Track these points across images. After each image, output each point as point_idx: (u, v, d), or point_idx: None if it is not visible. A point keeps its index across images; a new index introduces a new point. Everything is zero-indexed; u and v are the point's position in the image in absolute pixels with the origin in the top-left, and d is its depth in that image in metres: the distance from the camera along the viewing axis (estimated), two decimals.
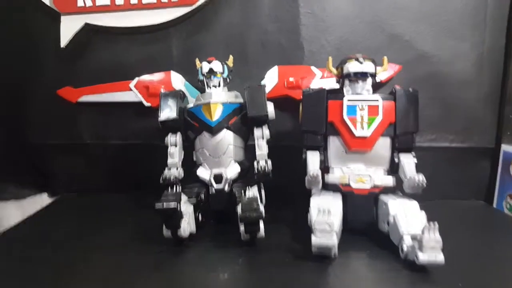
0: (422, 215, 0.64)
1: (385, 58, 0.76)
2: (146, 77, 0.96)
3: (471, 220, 0.85)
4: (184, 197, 0.71)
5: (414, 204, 0.68)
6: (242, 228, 0.66)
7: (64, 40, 0.95)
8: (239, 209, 0.66)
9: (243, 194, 0.69)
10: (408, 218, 0.64)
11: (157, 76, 0.95)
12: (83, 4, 0.93)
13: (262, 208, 0.66)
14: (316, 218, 0.61)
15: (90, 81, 0.98)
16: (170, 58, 0.97)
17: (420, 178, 0.65)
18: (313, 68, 0.92)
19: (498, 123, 0.94)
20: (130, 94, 0.96)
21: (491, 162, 0.96)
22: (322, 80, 0.91)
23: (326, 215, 0.61)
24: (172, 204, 0.63)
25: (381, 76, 0.84)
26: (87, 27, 0.95)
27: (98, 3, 0.93)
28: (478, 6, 0.90)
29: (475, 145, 0.94)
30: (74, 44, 0.96)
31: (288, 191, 0.84)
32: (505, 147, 0.93)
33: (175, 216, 0.64)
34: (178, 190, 0.73)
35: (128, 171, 1.02)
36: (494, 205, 0.95)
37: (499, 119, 0.94)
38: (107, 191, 1.02)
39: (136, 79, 0.96)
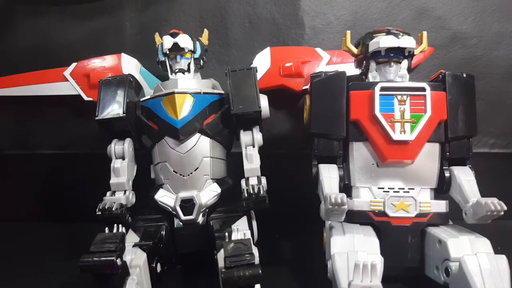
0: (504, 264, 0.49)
1: (424, 33, 0.65)
2: (86, 63, 0.84)
3: None
4: (132, 238, 0.60)
5: (487, 244, 0.53)
6: None
7: None
8: (220, 259, 0.51)
9: (227, 236, 0.53)
10: (486, 273, 0.48)
11: (102, 61, 0.84)
12: None
13: (257, 258, 0.50)
14: (355, 282, 0.45)
15: (7, 69, 0.87)
16: (120, 36, 0.87)
17: (496, 203, 0.51)
18: (318, 50, 0.81)
19: None
20: (64, 85, 0.84)
21: None
22: (330, 66, 0.80)
23: (369, 276, 0.44)
24: (109, 259, 0.48)
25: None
26: None
27: None
28: None
29: None
30: None
31: (284, 214, 0.76)
32: None
33: (115, 276, 0.49)
34: (121, 230, 0.56)
35: (64, 192, 0.91)
36: None
37: None
38: (33, 219, 0.91)
39: (73, 65, 0.84)
